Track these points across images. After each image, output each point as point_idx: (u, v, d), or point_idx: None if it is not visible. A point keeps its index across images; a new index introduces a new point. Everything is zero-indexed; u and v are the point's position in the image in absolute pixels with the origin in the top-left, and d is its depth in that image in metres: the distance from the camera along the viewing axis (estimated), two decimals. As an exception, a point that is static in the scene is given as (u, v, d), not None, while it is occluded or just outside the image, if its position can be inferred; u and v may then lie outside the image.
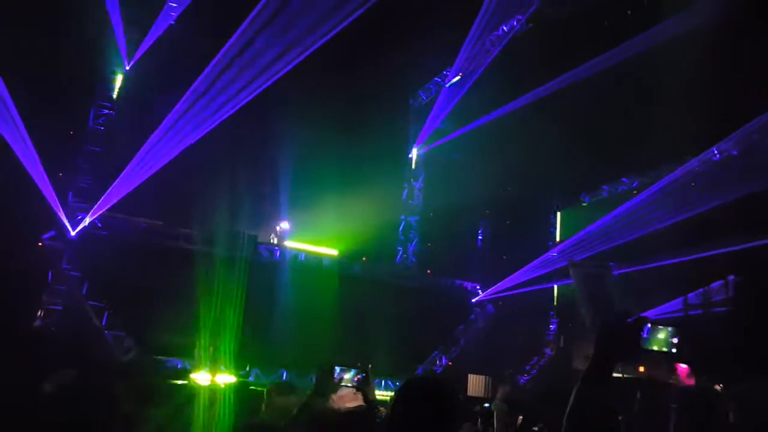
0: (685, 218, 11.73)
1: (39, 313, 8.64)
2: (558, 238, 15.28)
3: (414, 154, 14.40)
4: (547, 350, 14.66)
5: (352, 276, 11.96)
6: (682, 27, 10.58)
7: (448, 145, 13.80)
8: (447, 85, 13.00)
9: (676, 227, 11.99)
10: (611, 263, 12.73)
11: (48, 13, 8.38)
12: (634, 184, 13.91)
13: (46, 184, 8.65)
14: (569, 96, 11.74)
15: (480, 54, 12.35)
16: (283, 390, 4.60)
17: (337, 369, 3.75)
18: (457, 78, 12.69)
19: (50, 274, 8.96)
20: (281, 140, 10.54)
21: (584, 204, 15.08)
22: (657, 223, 12.23)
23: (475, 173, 13.46)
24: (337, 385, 5.44)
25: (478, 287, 14.27)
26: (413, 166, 14.44)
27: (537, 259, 13.71)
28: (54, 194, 8.59)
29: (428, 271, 13.95)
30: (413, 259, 14.02)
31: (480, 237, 15.21)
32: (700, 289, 11.75)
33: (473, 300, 14.26)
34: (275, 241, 11.12)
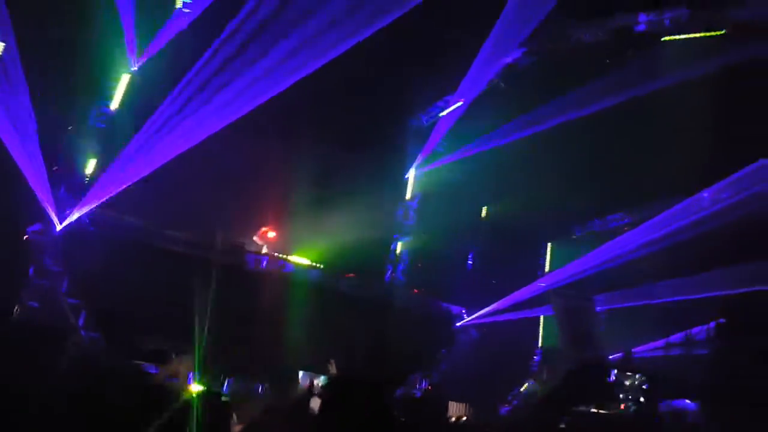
0: (673, 258, 11.85)
1: (15, 308, 8.53)
2: (547, 269, 15.34)
3: (411, 174, 14.50)
4: (530, 381, 14.59)
5: (337, 290, 11.93)
6: (682, 75, 10.83)
7: (446, 168, 13.95)
8: (448, 111, 13.15)
9: (664, 266, 12.10)
10: (593, 296, 12.80)
11: (57, 8, 8.46)
12: (625, 221, 14.04)
13: (41, 177, 8.63)
14: (568, 130, 11.92)
15: (483, 82, 12.53)
16: (244, 397, 4.60)
17: (302, 374, 3.74)
18: (459, 104, 12.86)
19: (32, 268, 8.87)
20: (279, 151, 10.59)
21: (574, 237, 15.19)
22: (644, 262, 12.34)
23: (470, 197, 13.55)
24: (306, 390, 5.42)
25: (464, 311, 14.25)
26: (410, 186, 14.54)
27: (524, 288, 13.75)
28: (48, 187, 8.57)
29: (415, 291, 13.93)
30: (401, 278, 14.01)
31: (470, 261, 15.24)
32: (684, 331, 11.81)
33: (458, 324, 14.22)
34: (264, 250, 11.10)
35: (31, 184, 8.50)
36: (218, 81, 9.18)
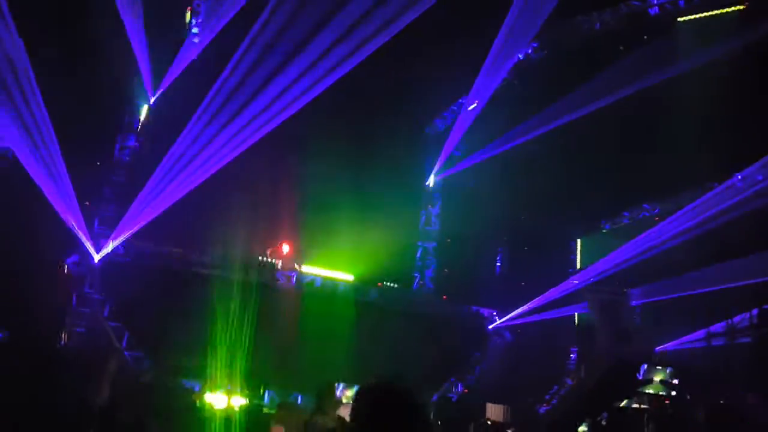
0: (708, 245, 11.43)
1: (62, 334, 9.08)
2: (578, 265, 15.05)
3: (431, 181, 14.56)
4: (568, 380, 14.33)
5: (367, 302, 12.08)
6: (704, 58, 10.48)
7: (465, 171, 13.90)
8: (463, 113, 13.14)
9: (700, 254, 11.68)
10: (628, 290, 12.48)
11: (78, 50, 8.99)
12: (656, 211, 13.64)
13: (75, 212, 9.17)
14: (587, 123, 11.70)
15: (496, 81, 12.47)
16: (289, 408, 4.80)
17: (340, 386, 3.89)
18: (473, 105, 12.81)
19: (74, 297, 9.42)
20: (300, 171, 10.85)
21: (604, 231, 14.85)
22: (679, 251, 11.94)
23: (493, 199, 13.46)
24: (339, 402, 5.60)
25: (495, 314, 14.15)
26: (430, 193, 14.58)
27: (556, 287, 13.53)
28: (82, 221, 9.10)
29: (444, 297, 13.94)
30: (430, 285, 14.05)
31: (498, 263, 15.14)
32: (723, 321, 11.37)
33: (490, 327, 14.14)
34: (297, 266, 11.35)
35: (65, 220, 9.04)
36: (233, 106, 9.52)
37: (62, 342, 9.23)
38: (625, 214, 14.36)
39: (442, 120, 14.03)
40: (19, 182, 8.42)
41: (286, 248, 11.18)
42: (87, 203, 9.44)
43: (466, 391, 13.44)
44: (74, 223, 9.07)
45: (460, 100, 13.24)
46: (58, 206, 8.78)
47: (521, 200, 13.61)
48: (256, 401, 9.65)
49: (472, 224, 13.40)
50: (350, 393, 8.87)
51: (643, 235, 12.79)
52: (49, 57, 8.29)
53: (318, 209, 11.40)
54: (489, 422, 10.91)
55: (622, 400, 9.25)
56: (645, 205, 13.92)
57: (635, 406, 9.72)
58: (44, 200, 8.54)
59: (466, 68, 11.92)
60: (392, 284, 13.28)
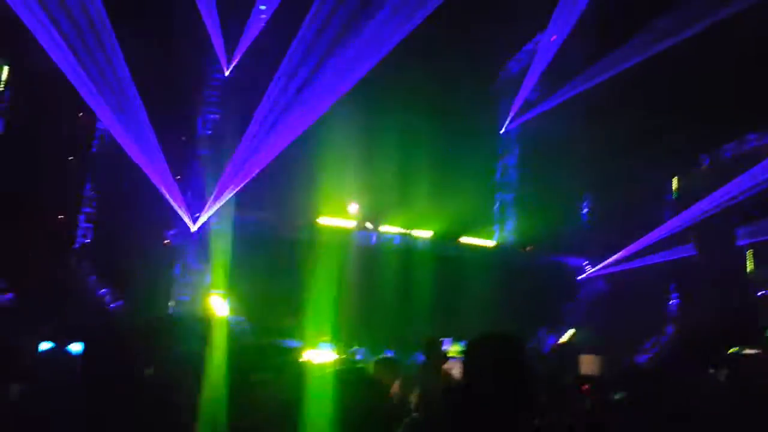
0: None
1: (171, 302, 9.74)
2: (676, 207, 14.04)
3: (506, 128, 13.92)
4: (668, 327, 13.62)
5: (447, 257, 11.98)
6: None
7: (543, 115, 13.15)
8: (540, 51, 12.28)
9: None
10: (735, 229, 11.50)
11: (159, 32, 9.30)
12: (765, 140, 12.32)
13: (171, 187, 9.70)
14: (676, 51, 10.64)
15: (576, 10, 11.49)
16: (387, 363, 4.85)
17: (445, 341, 3.88)
18: (551, 39, 11.86)
19: (177, 267, 10.03)
20: (374, 128, 10.76)
21: (704, 167, 13.67)
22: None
23: (576, 143, 12.69)
24: (445, 356, 5.63)
25: (585, 263, 13.60)
26: (507, 141, 14.00)
27: (652, 231, 12.73)
28: (179, 195, 9.62)
29: (527, 249, 13.53)
30: (511, 238, 13.67)
31: (585, 210, 14.42)
32: None
33: (580, 277, 13.63)
34: (375, 226, 11.44)
35: (163, 195, 9.57)
36: (305, 71, 9.50)
37: (171, 310, 9.89)
38: (728, 146, 13.11)
39: (517, 62, 13.25)
40: (121, 162, 9.01)
41: (357, 207, 11.25)
42: (178, 177, 9.89)
43: (558, 342, 13.14)
44: (170, 197, 9.57)
45: (536, 37, 12.39)
46: (156, 183, 9.29)
47: (608, 141, 12.74)
48: (350, 357, 9.97)
49: (553, 171, 12.77)
50: (454, 348, 8.90)
51: (753, 168, 11.62)
52: (136, 41, 8.63)
53: (394, 166, 11.31)
54: (584, 375, 10.63)
55: (736, 347, 8.61)
56: (751, 135, 12.61)
57: (747, 351, 9.04)
58: (145, 178, 9.08)
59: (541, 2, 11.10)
60: (472, 238, 13.06)
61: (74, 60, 8.30)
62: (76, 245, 9.39)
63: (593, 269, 13.51)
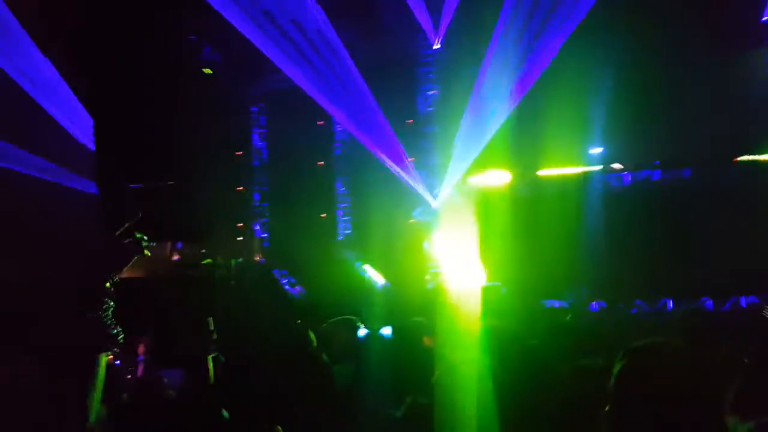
0: None
1: (426, 277, 10.19)
2: None
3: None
4: None
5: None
6: None
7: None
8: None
9: None
10: None
11: (363, 18, 9.69)
12: None
13: (406, 168, 10.16)
14: None
15: None
16: None
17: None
18: None
19: (425, 244, 10.46)
20: (604, 69, 9.67)
21: None
22: None
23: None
24: None
25: None
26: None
27: None
28: (416, 175, 10.04)
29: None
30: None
31: None
32: None
33: None
34: (618, 166, 10.39)
35: (401, 178, 10.06)
36: (513, 35, 8.93)
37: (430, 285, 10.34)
38: None
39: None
40: (361, 157, 9.74)
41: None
42: (412, 159, 10.24)
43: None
44: (409, 178, 9.99)
45: None
46: (395, 168, 9.79)
47: None
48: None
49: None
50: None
51: None
52: (351, 37, 9.11)
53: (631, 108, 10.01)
54: None
55: None
56: None
57: None
58: (384, 167, 9.66)
59: None
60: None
61: (310, 71, 9.10)
62: (340, 237, 10.51)
63: None
